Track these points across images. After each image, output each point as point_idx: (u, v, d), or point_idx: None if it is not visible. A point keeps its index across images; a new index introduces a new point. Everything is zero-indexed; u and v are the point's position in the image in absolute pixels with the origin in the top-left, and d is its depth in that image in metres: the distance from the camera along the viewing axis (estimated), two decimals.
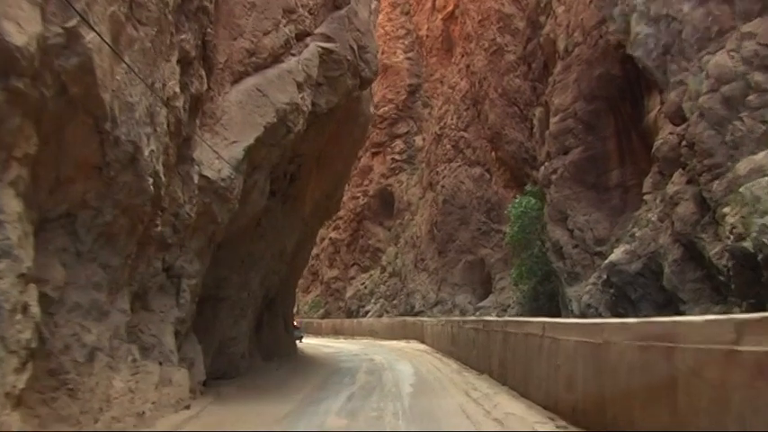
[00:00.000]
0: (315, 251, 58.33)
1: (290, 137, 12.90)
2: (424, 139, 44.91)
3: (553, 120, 26.07)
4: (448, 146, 37.41)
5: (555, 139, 25.92)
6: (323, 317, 49.00)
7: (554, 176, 25.54)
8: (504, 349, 13.42)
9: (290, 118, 12.70)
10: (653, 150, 19.49)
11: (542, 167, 27.08)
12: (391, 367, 18.56)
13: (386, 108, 47.84)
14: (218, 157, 11.13)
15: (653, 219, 19.00)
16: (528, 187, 28.81)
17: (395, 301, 40.43)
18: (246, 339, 14.07)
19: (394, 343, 31.78)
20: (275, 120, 12.32)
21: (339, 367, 18.37)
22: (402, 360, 21.26)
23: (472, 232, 34.70)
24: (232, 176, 11.21)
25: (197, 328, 11.33)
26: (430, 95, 46.46)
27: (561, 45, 25.95)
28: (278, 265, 16.94)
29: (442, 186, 37.03)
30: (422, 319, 32.38)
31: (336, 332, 43.34)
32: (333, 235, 51.28)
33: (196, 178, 10.68)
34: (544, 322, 10.23)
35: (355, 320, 42.61)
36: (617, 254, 19.46)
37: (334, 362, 20.44)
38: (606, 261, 19.75)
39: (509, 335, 13.07)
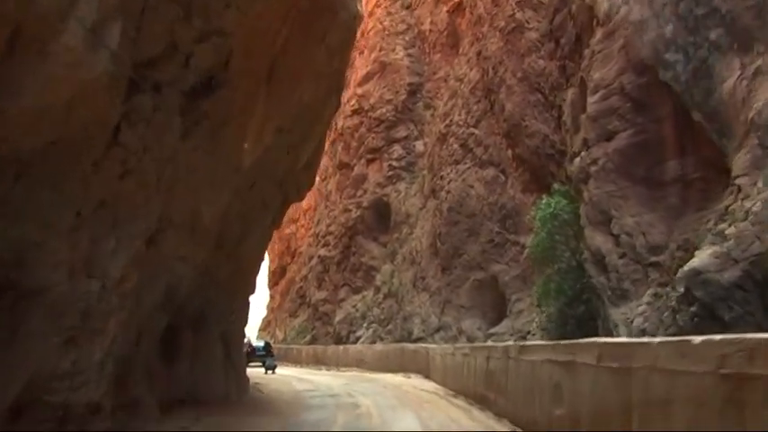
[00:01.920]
0: (303, 271, 52.86)
1: None
2: (425, 144, 39.70)
3: (591, 99, 20.96)
4: (455, 145, 32.14)
5: (594, 123, 20.76)
6: (310, 343, 43.31)
7: (593, 168, 20.34)
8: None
9: None
10: (750, 116, 14.29)
11: (577, 160, 21.83)
12: (384, 422, 12.34)
13: (383, 110, 42.74)
14: None
15: (755, 209, 13.71)
16: (556, 186, 23.46)
17: (389, 326, 34.84)
18: (104, 378, 7.62)
19: (388, 377, 25.75)
20: None
21: (300, 421, 12.33)
22: (402, 408, 14.59)
23: (483, 245, 29.26)
24: None
25: None
26: (432, 96, 41.38)
27: (602, 8, 20.97)
28: (189, 246, 10.53)
29: (448, 192, 31.68)
30: (427, 346, 26.52)
31: (318, 361, 37.60)
32: (322, 252, 45.86)
33: None
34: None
35: (341, 347, 36.74)
36: (702, 258, 14.08)
37: (296, 409, 14.36)
38: (686, 268, 14.34)
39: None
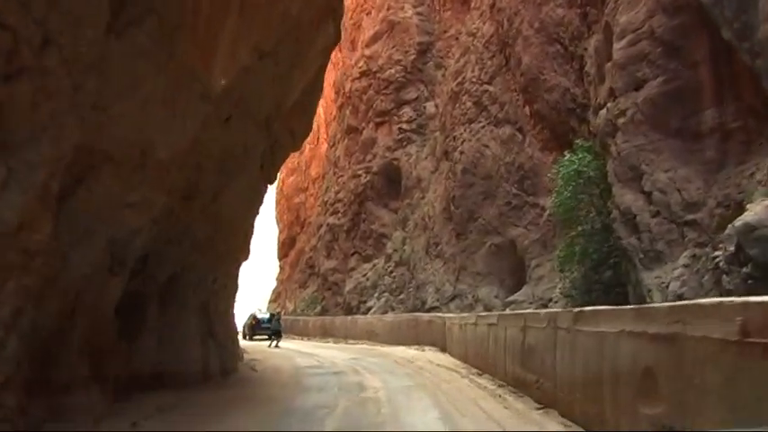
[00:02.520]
0: (312, 241, 51.41)
1: None
2: (436, 106, 37.85)
3: (618, 46, 19.16)
4: (468, 104, 30.32)
5: (621, 71, 18.98)
6: (320, 314, 41.96)
7: (621, 121, 18.63)
8: None
9: None
10: None
11: (602, 112, 20.12)
12: (396, 411, 9.76)
13: (392, 71, 40.82)
14: None
15: None
16: (579, 142, 21.70)
17: (401, 296, 33.35)
18: (4, 359, 5.47)
19: (400, 350, 23.94)
20: None
21: (291, 408, 10.18)
22: (417, 391, 12.21)
23: (499, 208, 27.61)
24: None
25: None
26: (443, 55, 39.43)
27: None
28: (140, 190, 8.15)
29: (461, 153, 29.93)
30: (444, 315, 24.45)
31: (325, 333, 36.07)
32: (330, 220, 44.34)
33: None
34: None
35: (349, 318, 35.11)
36: (756, 212, 12.42)
37: (290, 391, 12.31)
38: (737, 224, 12.68)
39: None
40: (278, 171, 20.80)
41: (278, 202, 71.95)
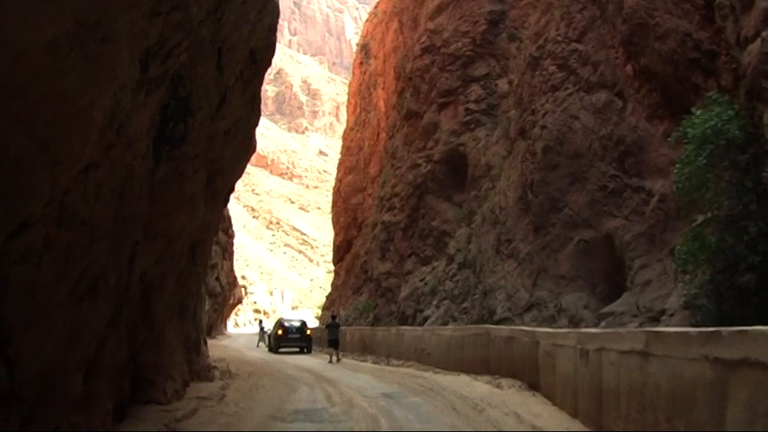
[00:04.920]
0: (366, 245, 46.24)
1: None
2: (510, 82, 32.11)
3: None
4: (551, 68, 24.53)
5: None
6: (372, 324, 36.50)
7: None
8: None
9: None
10: None
11: (754, 45, 14.33)
12: None
13: (458, 44, 35.26)
14: None
15: None
16: (712, 95, 15.73)
17: (465, 304, 27.59)
18: None
19: (462, 384, 16.35)
20: None
21: None
22: None
23: (592, 194, 21.71)
24: None
25: None
26: (518, 25, 33.71)
27: None
28: None
29: (542, 129, 24.12)
30: (534, 330, 15.68)
31: (365, 349, 29.59)
32: (386, 218, 38.93)
33: None
34: None
35: (393, 331, 27.61)
36: None
37: None
38: None
39: None
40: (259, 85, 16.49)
41: (334, 204, 67.38)
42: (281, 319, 38.47)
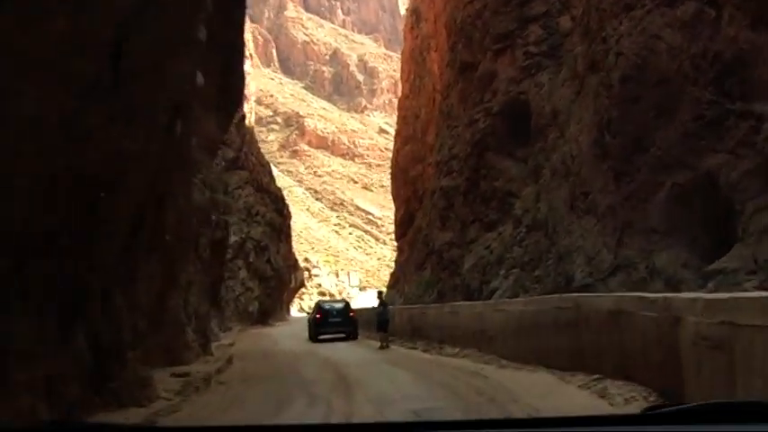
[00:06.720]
0: (426, 216, 43.10)
1: None
2: (573, 18, 28.12)
3: None
4: None
5: None
6: (436, 301, 33.24)
7: None
8: None
9: None
10: None
11: None
12: None
13: None
14: None
15: None
16: None
17: (537, 272, 23.93)
18: None
19: (540, 388, 11.03)
20: None
21: None
22: None
23: (684, 126, 17.73)
24: None
25: None
26: None
27: None
28: None
29: (618, 56, 20.19)
30: (675, 295, 9.76)
31: (414, 332, 25.48)
32: (444, 183, 35.51)
33: None
34: None
35: (447, 309, 23.33)
36: None
37: None
38: None
39: None
40: None
41: (393, 177, 64.39)
42: (320, 301, 35.25)
